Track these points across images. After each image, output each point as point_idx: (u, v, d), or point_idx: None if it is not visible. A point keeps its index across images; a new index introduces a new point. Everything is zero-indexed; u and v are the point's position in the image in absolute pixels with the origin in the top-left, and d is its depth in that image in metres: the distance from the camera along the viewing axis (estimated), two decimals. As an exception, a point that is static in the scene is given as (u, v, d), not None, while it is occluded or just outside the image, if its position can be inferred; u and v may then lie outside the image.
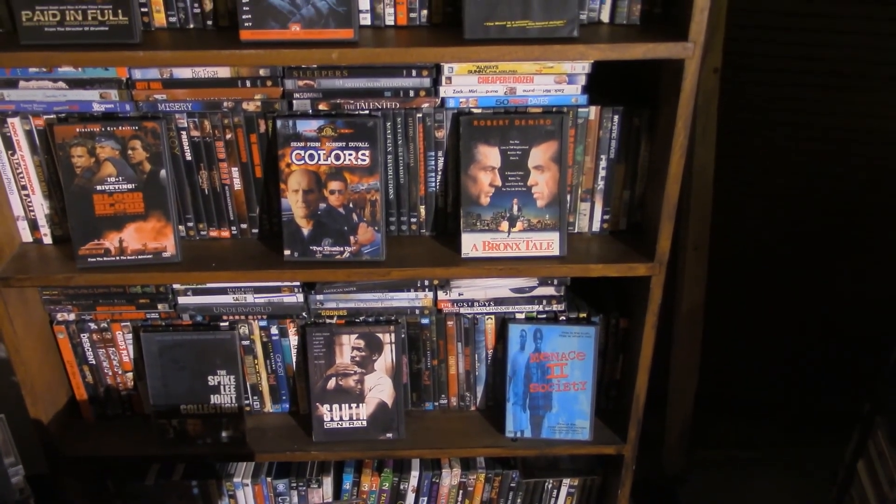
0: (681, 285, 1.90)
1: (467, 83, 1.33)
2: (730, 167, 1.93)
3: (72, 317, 1.54)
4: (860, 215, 2.02)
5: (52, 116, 1.35)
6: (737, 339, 2.22)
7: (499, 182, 1.39)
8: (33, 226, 1.45)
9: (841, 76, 1.86)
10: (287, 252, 1.40)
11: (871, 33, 1.80)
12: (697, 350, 1.99)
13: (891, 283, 2.06)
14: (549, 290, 1.53)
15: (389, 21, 1.28)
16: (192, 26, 1.28)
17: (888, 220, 2.01)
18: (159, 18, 1.27)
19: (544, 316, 1.56)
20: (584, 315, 1.56)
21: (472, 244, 1.41)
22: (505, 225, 1.40)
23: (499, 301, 1.54)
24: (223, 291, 1.51)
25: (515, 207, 1.40)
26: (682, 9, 1.21)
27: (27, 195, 1.41)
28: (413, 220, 1.46)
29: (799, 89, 1.90)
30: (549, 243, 1.41)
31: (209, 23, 1.28)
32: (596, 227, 1.48)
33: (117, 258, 1.39)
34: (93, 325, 1.55)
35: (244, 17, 1.20)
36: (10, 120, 1.34)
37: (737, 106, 1.88)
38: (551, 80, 1.33)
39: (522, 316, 1.56)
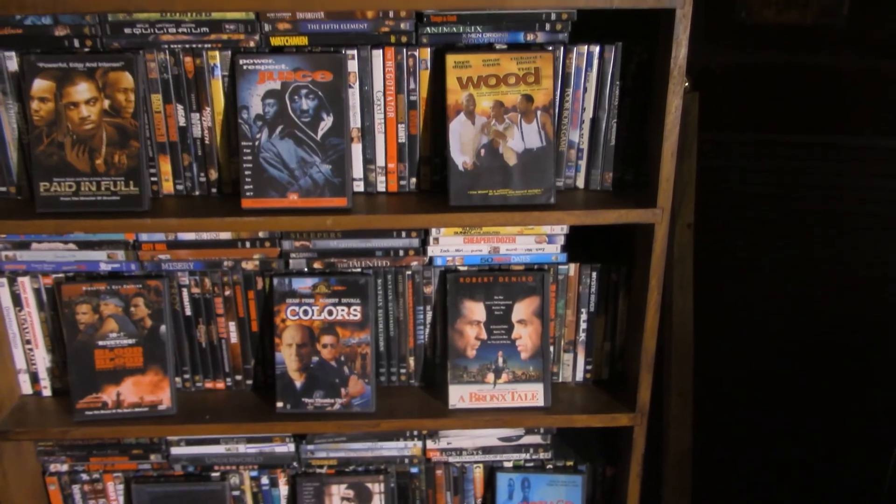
0: (667, 431, 1.93)
1: (453, 243, 1.42)
2: (711, 313, 2.00)
3: (64, 468, 1.56)
4: (841, 355, 2.08)
5: (60, 275, 1.42)
6: (727, 481, 2.22)
7: (484, 335, 1.45)
8: (34, 378, 1.49)
9: (813, 222, 1.97)
10: (280, 404, 1.44)
11: (841, 185, 1.93)
12: (688, 494, 1.98)
13: (881, 420, 2.09)
14: (536, 439, 1.56)
15: (381, 188, 1.38)
16: (197, 193, 1.37)
17: (871, 360, 2.06)
18: (167, 186, 1.36)
19: (532, 464, 1.58)
20: (571, 463, 1.58)
21: (460, 395, 1.45)
22: (491, 377, 1.45)
23: (487, 450, 1.57)
24: (216, 441, 1.53)
25: (500, 360, 1.45)
26: (650, 177, 1.32)
27: (31, 349, 1.46)
28: (402, 370, 1.51)
29: (771, 237, 2.00)
30: (533, 394, 1.45)
31: (213, 190, 1.37)
32: (579, 376, 1.53)
33: (114, 411, 1.43)
34: (84, 477, 1.56)
35: (246, 186, 1.30)
36: (20, 279, 1.41)
37: (713, 253, 1.97)
38: (532, 240, 1.42)
39: (510, 464, 1.58)
